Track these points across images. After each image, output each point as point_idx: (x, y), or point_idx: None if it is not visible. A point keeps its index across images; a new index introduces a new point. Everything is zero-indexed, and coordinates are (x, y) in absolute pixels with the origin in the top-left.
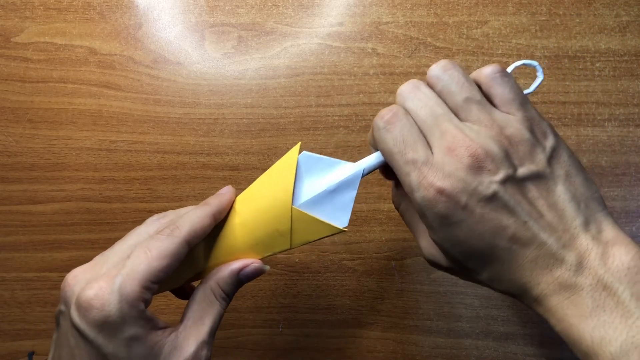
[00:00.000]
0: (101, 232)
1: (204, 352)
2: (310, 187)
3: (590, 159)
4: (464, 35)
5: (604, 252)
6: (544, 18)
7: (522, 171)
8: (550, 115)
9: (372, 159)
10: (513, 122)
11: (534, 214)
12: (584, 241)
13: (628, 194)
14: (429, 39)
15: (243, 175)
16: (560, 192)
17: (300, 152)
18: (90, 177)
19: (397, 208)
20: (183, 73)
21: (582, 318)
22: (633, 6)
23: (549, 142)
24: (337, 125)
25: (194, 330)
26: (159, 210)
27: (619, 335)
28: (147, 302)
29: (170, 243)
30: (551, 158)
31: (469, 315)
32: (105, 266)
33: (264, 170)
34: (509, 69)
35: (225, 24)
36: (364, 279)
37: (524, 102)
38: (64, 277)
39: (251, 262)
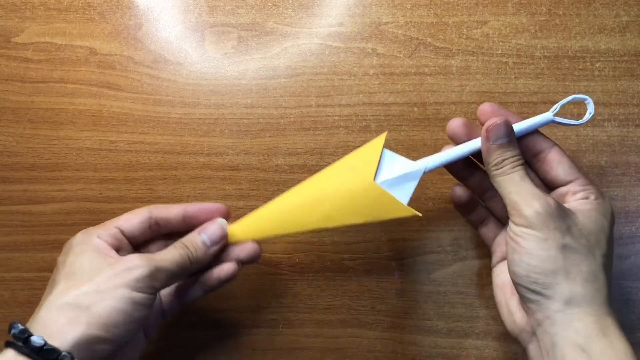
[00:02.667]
0: None
1: (158, 277)
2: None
3: (590, 159)
4: (464, 35)
5: None
6: (543, 18)
7: None
8: None
9: (435, 159)
10: None
11: None
12: None
13: (628, 194)
14: (429, 39)
15: (243, 175)
16: None
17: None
18: (90, 177)
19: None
20: (183, 73)
21: None
22: (633, 6)
23: None
24: (337, 125)
25: (146, 256)
26: None
27: None
28: (103, 236)
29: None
30: None
31: (469, 315)
32: None
33: (264, 170)
34: (557, 106)
35: (225, 24)
36: (364, 279)
37: None
38: None
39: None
